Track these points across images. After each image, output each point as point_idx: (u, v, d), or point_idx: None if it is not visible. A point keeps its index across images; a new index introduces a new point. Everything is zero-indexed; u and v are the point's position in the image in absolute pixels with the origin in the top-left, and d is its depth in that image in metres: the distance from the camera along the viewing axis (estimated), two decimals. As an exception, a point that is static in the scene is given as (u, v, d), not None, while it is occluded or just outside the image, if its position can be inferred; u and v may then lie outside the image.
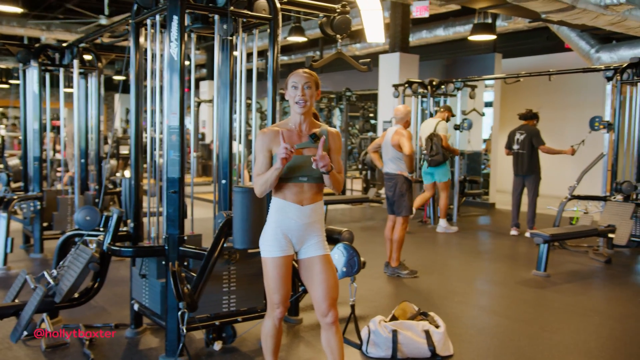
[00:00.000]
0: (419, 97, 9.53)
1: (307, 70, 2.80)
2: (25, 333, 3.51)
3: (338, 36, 4.82)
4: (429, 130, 8.07)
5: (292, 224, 2.73)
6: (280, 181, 2.72)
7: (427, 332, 3.59)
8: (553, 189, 11.26)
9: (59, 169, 8.15)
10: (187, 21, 3.76)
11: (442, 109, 8.40)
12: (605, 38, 10.96)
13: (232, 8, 3.63)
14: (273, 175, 2.65)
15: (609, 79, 7.04)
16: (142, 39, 3.92)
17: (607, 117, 7.09)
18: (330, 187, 2.76)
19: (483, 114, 10.72)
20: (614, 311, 4.72)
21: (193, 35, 4.10)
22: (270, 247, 2.75)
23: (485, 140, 11.68)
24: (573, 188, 7.07)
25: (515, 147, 7.75)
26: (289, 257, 2.77)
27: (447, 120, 8.25)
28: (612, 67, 7.08)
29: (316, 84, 2.79)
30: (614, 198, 6.76)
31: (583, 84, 11.76)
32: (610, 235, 6.43)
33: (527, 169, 7.65)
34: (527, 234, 7.64)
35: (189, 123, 4.42)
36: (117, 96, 23.82)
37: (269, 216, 2.81)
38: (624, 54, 10.08)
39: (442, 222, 8.20)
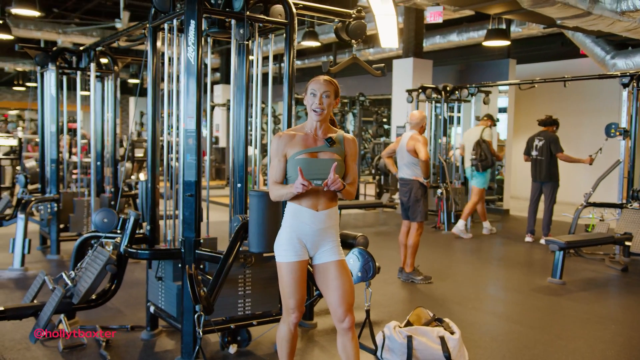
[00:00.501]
0: (433, 102, 9.52)
1: (328, 78, 2.80)
2: (43, 334, 3.54)
3: (353, 41, 4.83)
4: (474, 137, 8.30)
5: (306, 229, 2.74)
6: None
7: (442, 339, 3.57)
8: (569, 196, 11.18)
9: (75, 171, 8.22)
10: (204, 25, 3.78)
11: (485, 117, 8.62)
12: (620, 44, 10.88)
13: (248, 13, 3.65)
14: (288, 196, 2.73)
15: (625, 85, 6.99)
16: (159, 43, 3.96)
17: (624, 123, 7.03)
18: (341, 196, 2.80)
19: (497, 120, 10.67)
20: (630, 320, 4.67)
21: (209, 40, 4.13)
22: (285, 251, 2.75)
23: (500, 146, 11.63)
24: (589, 195, 7.01)
25: (534, 153, 7.70)
26: (304, 262, 2.78)
27: (490, 127, 8.49)
28: (628, 74, 7.03)
29: (336, 92, 2.80)
30: (631, 205, 6.70)
31: (598, 91, 11.68)
32: (626, 242, 6.37)
33: (545, 176, 7.59)
34: (542, 241, 7.59)
35: (204, 127, 4.44)
36: (132, 99, 24.04)
37: (283, 220, 2.82)
38: (640, 61, 10.00)
39: (461, 224, 8.20)
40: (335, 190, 2.69)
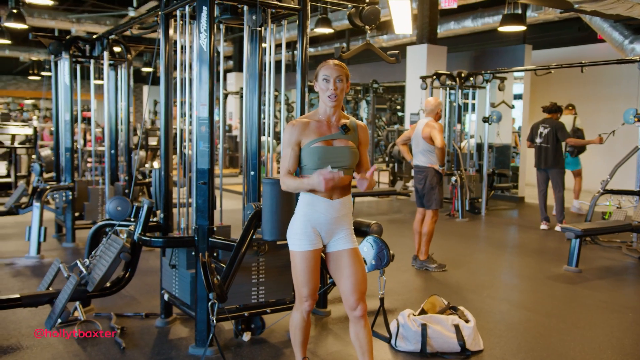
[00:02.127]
0: (447, 89, 9.42)
1: (338, 62, 2.76)
2: (59, 321, 3.57)
3: (367, 27, 4.77)
4: (568, 126, 8.78)
5: (321, 218, 2.72)
6: (309, 173, 2.71)
7: (456, 327, 3.55)
8: (586, 183, 11.03)
9: (89, 159, 8.27)
10: (216, 12, 3.75)
11: (569, 107, 9.33)
12: (639, 29, 10.67)
13: (261, -1, 3.61)
14: (300, 190, 2.72)
15: (644, 70, 6.86)
16: (171, 31, 3.93)
17: (642, 109, 6.90)
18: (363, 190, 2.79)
19: (512, 107, 10.55)
20: (648, 308, 4.62)
21: (222, 27, 4.10)
22: (300, 240, 2.74)
23: (513, 133, 11.53)
24: (606, 182, 6.91)
25: (538, 140, 7.64)
26: (318, 250, 2.76)
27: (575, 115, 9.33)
28: (647, 58, 6.89)
29: (347, 76, 2.77)
30: (649, 192, 6.59)
31: (617, 76, 11.48)
32: (644, 230, 6.29)
33: (552, 163, 7.54)
34: (558, 228, 7.52)
35: (218, 115, 4.43)
36: (145, 88, 24.11)
37: (298, 209, 2.79)
38: (660, 45, 9.81)
39: (576, 203, 9.13)
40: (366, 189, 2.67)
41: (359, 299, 2.73)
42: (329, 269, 2.85)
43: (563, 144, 7.71)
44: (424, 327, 3.53)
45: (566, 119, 8.90)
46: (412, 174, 8.40)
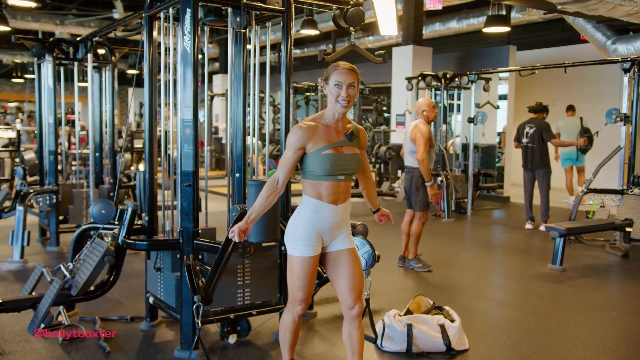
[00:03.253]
0: (433, 90, 9.47)
1: (350, 66, 2.72)
2: (42, 325, 3.54)
3: (351, 29, 4.78)
4: (572, 125, 9.71)
5: (325, 224, 2.72)
6: (316, 179, 2.69)
7: (442, 326, 3.57)
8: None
9: (74, 162, 8.21)
10: (200, 14, 3.74)
11: (571, 109, 10.05)
12: (621, 29, 10.80)
13: (245, 0, 3.61)
14: (257, 211, 2.74)
15: (626, 70, 6.93)
16: (155, 33, 3.92)
17: (624, 109, 6.98)
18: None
19: (497, 107, 10.62)
20: (631, 306, 4.67)
21: (206, 28, 4.09)
22: (303, 246, 2.71)
23: (499, 134, 11.61)
24: (589, 181, 6.99)
25: (525, 140, 7.70)
26: (318, 256, 2.77)
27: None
28: (629, 59, 6.97)
29: (358, 81, 2.75)
30: (631, 191, 6.67)
31: (599, 76, 11.61)
32: (627, 229, 6.36)
33: (538, 163, 7.60)
34: (542, 228, 7.58)
35: (203, 116, 4.42)
36: (130, 90, 23.97)
37: (301, 215, 2.74)
38: (641, 46, 9.94)
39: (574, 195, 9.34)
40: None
41: (357, 298, 2.74)
42: (326, 268, 2.85)
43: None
44: (409, 327, 3.54)
45: (573, 121, 9.08)
46: (399, 174, 8.43)
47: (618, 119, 6.87)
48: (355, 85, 2.70)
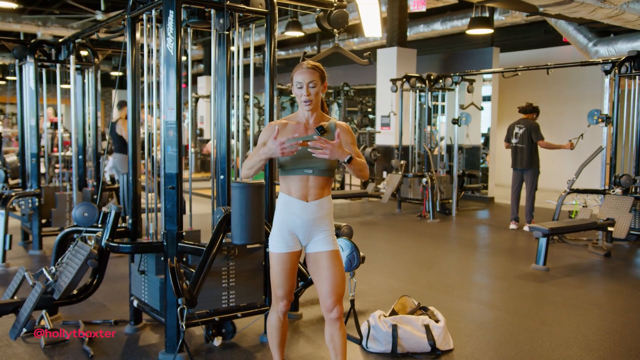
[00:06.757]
0: (417, 91, 9.52)
1: (311, 64, 2.73)
2: (24, 330, 3.50)
3: (335, 30, 4.80)
4: None
5: (297, 221, 2.72)
6: (284, 174, 2.72)
7: (427, 327, 3.59)
8: (552, 182, 11.27)
9: (57, 165, 8.13)
10: (183, 16, 3.73)
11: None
12: (603, 32, 10.95)
13: (228, 2, 3.60)
14: (258, 162, 2.66)
15: (607, 72, 7.03)
16: (138, 35, 3.90)
17: (606, 110, 7.07)
18: (355, 175, 2.74)
19: (481, 108, 10.71)
20: (613, 304, 4.72)
21: (189, 30, 4.07)
22: (277, 242, 2.75)
23: (484, 135, 11.70)
24: (572, 182, 7.06)
25: (514, 141, 7.76)
26: (295, 253, 2.77)
27: None
28: (610, 61, 7.07)
29: (322, 77, 2.73)
30: (613, 191, 6.76)
31: (581, 78, 11.75)
32: (609, 228, 6.44)
33: (527, 163, 7.65)
34: (526, 228, 7.65)
35: (188, 118, 4.40)
36: (114, 92, 23.80)
37: (276, 211, 2.80)
38: (622, 47, 10.08)
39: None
40: (344, 162, 2.58)
41: (337, 300, 2.73)
42: (308, 269, 2.85)
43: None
44: (394, 327, 3.55)
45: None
46: (384, 176, 8.48)
47: (599, 120, 6.95)
48: (316, 83, 2.70)
